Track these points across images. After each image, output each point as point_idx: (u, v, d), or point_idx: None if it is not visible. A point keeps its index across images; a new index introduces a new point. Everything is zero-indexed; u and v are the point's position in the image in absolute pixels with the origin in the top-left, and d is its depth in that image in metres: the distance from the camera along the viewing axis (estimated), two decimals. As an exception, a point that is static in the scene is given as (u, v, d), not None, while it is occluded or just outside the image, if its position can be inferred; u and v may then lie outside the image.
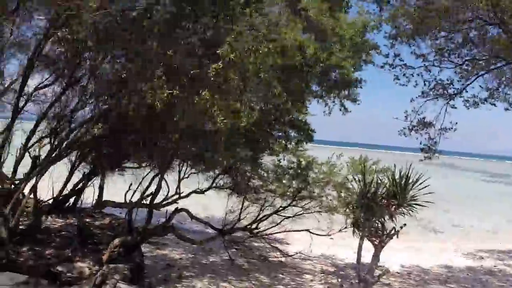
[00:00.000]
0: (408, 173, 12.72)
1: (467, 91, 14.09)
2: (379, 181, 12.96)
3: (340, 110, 14.39)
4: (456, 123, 13.86)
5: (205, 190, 15.16)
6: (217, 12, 7.84)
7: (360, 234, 12.76)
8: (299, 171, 14.66)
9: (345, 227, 14.07)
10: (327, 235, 15.85)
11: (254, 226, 15.40)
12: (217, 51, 7.31)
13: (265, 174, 15.12)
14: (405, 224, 12.98)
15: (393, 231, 12.75)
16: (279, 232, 15.85)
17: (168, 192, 14.34)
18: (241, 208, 15.31)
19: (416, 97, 14.29)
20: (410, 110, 14.65)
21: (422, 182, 12.89)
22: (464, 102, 14.35)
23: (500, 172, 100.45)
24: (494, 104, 14.04)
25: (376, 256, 12.79)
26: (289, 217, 15.42)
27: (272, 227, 15.51)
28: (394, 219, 12.98)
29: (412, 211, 13.10)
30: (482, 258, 19.69)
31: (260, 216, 15.39)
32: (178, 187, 14.41)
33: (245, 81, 7.88)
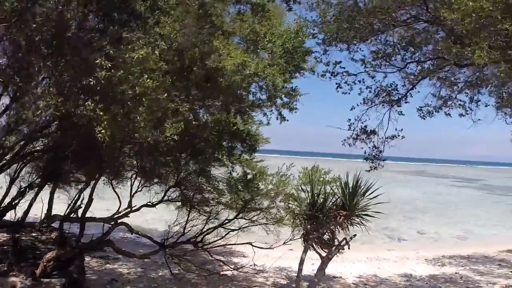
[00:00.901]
0: (358, 182, 12.38)
1: (411, 96, 13.37)
2: (328, 191, 12.67)
3: (277, 119, 14.05)
4: (402, 129, 13.15)
5: (157, 204, 14.75)
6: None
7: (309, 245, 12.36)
8: (245, 183, 14.15)
9: (290, 240, 13.82)
10: (269, 248, 15.42)
11: (199, 239, 14.87)
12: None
13: (217, 186, 14.64)
14: (355, 235, 12.58)
15: (343, 242, 12.36)
16: (224, 245, 15.36)
17: (120, 205, 14.06)
18: (186, 221, 14.78)
19: (357, 105, 13.60)
20: (353, 119, 13.93)
21: (373, 191, 12.50)
22: (418, 112, 13.69)
23: (471, 177, 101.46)
24: (449, 114, 13.51)
25: (321, 270, 12.37)
26: (233, 230, 15.00)
27: (218, 239, 15.06)
28: (345, 230, 12.55)
29: (363, 222, 12.68)
30: (444, 265, 19.44)
31: (206, 229, 14.93)
32: (130, 200, 13.99)
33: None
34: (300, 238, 12.71)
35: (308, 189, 12.73)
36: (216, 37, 8.92)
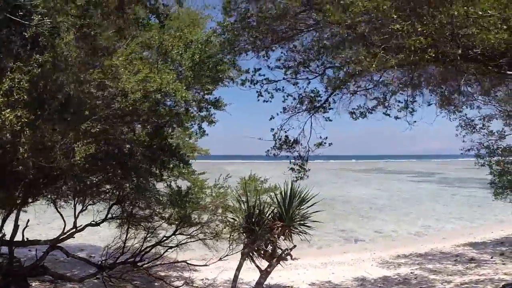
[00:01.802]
0: (293, 191, 12.13)
1: (334, 101, 12.44)
2: (265, 202, 12.37)
3: (197, 134, 13.47)
4: (326, 137, 12.24)
5: (100, 222, 14.15)
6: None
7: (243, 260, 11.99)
8: (180, 197, 13.54)
9: (226, 255, 13.46)
10: (205, 265, 15.03)
11: (138, 258, 14.39)
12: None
13: (154, 202, 13.94)
14: (295, 246, 12.44)
15: (283, 254, 11.96)
16: (159, 264, 14.96)
17: (65, 226, 13.53)
18: (125, 240, 14.37)
19: (277, 114, 12.58)
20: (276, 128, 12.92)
21: (309, 199, 12.40)
22: (350, 114, 12.88)
23: (430, 171, 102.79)
24: (388, 114, 12.81)
25: (259, 284, 11.97)
26: (172, 247, 14.61)
27: (156, 258, 14.68)
28: (288, 240, 12.51)
29: (305, 231, 12.67)
30: (400, 265, 19.05)
31: (145, 247, 14.52)
32: (75, 221, 13.49)
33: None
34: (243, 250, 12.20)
35: (244, 200, 12.40)
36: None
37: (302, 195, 12.12)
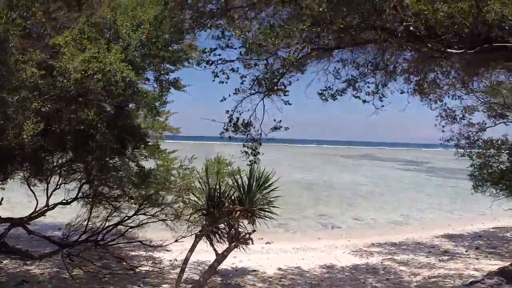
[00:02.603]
0: (254, 176, 11.82)
1: (289, 83, 11.63)
2: (226, 185, 12.23)
3: (146, 116, 13.09)
4: (280, 120, 11.56)
5: (71, 201, 13.79)
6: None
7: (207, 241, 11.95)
8: (141, 177, 13.02)
9: (182, 236, 13.44)
10: (159, 246, 15.15)
11: (100, 237, 14.09)
12: None
13: (121, 180, 13.46)
14: (254, 230, 12.11)
15: (242, 238, 11.85)
16: (121, 243, 14.71)
17: (37, 204, 13.29)
18: (88, 219, 13.97)
19: (229, 95, 11.81)
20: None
21: (271, 183, 12.05)
22: (320, 96, 12.23)
23: (418, 160, 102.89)
24: (358, 97, 12.21)
25: (211, 268, 11.93)
26: (133, 227, 14.26)
27: (118, 237, 14.33)
28: (251, 224, 12.12)
29: (270, 215, 12.23)
30: (372, 253, 18.80)
31: (107, 225, 14.16)
32: (48, 199, 13.20)
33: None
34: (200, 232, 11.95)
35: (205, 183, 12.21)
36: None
37: (264, 179, 11.84)
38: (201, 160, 13.54)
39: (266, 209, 11.89)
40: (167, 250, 16.62)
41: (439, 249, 19.58)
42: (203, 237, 11.81)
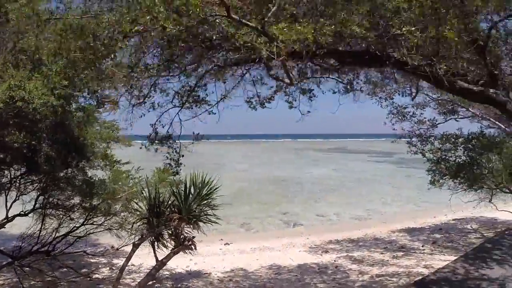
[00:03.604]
0: (190, 185, 12.25)
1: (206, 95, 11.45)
2: (165, 194, 12.65)
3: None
4: (199, 133, 11.45)
5: (29, 212, 14.02)
6: None
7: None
8: (89, 187, 13.37)
9: (123, 245, 13.82)
10: (101, 255, 15.61)
11: (50, 248, 14.26)
12: None
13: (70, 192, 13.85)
14: (194, 237, 12.34)
15: (181, 245, 12.13)
16: (71, 253, 14.80)
17: None
18: (40, 230, 14.12)
19: (149, 111, 11.51)
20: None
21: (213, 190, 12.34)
22: (247, 104, 12.10)
23: (390, 151, 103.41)
24: (290, 102, 12.10)
25: (149, 275, 12.29)
26: (80, 237, 14.52)
27: (66, 247, 14.51)
28: (196, 230, 12.47)
29: (210, 222, 12.63)
30: (327, 251, 18.95)
31: (57, 236, 14.36)
32: (7, 211, 13.54)
33: None
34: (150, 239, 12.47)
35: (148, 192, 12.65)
36: None
37: (204, 187, 12.11)
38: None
39: (203, 216, 12.18)
40: (124, 257, 16.50)
41: (395, 245, 19.80)
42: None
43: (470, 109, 19.75)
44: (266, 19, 6.26)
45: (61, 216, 14.33)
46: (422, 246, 19.23)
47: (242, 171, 57.35)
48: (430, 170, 19.79)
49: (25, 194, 13.94)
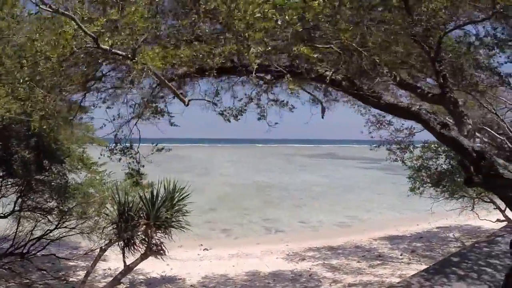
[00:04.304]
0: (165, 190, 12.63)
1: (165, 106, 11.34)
2: (134, 201, 12.78)
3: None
4: (156, 144, 11.26)
5: (8, 215, 14.42)
6: None
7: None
8: (60, 190, 13.80)
9: (91, 250, 14.23)
10: (73, 259, 15.79)
11: (25, 250, 14.47)
12: None
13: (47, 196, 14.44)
14: (162, 242, 12.59)
15: (148, 251, 12.33)
16: (45, 255, 14.96)
17: None
18: (16, 232, 14.49)
19: (110, 120, 11.30)
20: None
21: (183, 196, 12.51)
22: (222, 116, 11.91)
23: (379, 157, 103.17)
24: (263, 115, 11.97)
25: (114, 280, 12.57)
26: (53, 240, 14.77)
27: (40, 250, 14.70)
28: (168, 235, 12.80)
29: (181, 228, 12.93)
30: (304, 259, 18.97)
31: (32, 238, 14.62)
32: None
33: None
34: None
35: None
36: None
37: (174, 193, 12.20)
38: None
39: (174, 222, 12.36)
40: (104, 261, 16.50)
41: (374, 253, 19.79)
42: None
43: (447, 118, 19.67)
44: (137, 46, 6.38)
45: (38, 218, 14.61)
46: (401, 255, 19.17)
47: (228, 176, 57.42)
48: (411, 177, 19.81)
49: (6, 197, 14.30)
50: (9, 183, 14.26)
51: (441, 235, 23.56)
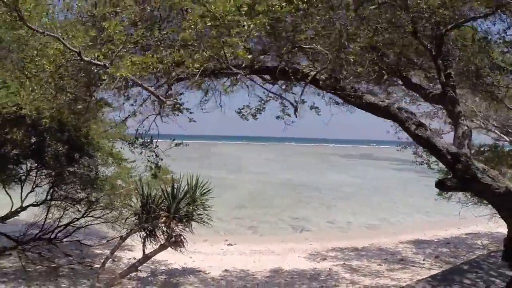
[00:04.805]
0: (178, 187, 13.10)
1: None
2: (157, 194, 13.29)
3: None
4: (174, 139, 11.43)
5: (41, 203, 15.29)
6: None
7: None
8: (91, 182, 14.65)
9: (113, 238, 15.05)
10: (97, 246, 16.67)
11: (53, 235, 15.32)
12: None
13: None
14: (182, 235, 12.94)
15: (167, 242, 12.78)
16: (70, 241, 15.98)
17: (13, 205, 14.86)
18: (45, 219, 15.28)
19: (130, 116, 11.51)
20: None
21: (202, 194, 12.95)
22: (239, 114, 12.04)
23: (410, 159, 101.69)
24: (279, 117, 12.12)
25: (131, 267, 13.27)
26: (79, 227, 15.62)
27: (66, 236, 15.66)
28: (189, 228, 13.25)
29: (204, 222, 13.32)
30: (325, 259, 19.07)
31: (60, 225, 15.49)
32: (22, 201, 14.93)
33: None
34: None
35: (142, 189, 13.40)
36: None
37: (196, 187, 12.63)
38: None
39: (194, 216, 12.89)
40: (130, 250, 17.41)
41: (397, 257, 19.70)
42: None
43: (474, 120, 19.40)
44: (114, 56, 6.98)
45: (66, 207, 15.53)
46: (423, 260, 19.03)
47: (261, 173, 57.91)
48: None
49: (40, 187, 15.26)
50: (43, 174, 15.13)
51: (468, 242, 23.19)
